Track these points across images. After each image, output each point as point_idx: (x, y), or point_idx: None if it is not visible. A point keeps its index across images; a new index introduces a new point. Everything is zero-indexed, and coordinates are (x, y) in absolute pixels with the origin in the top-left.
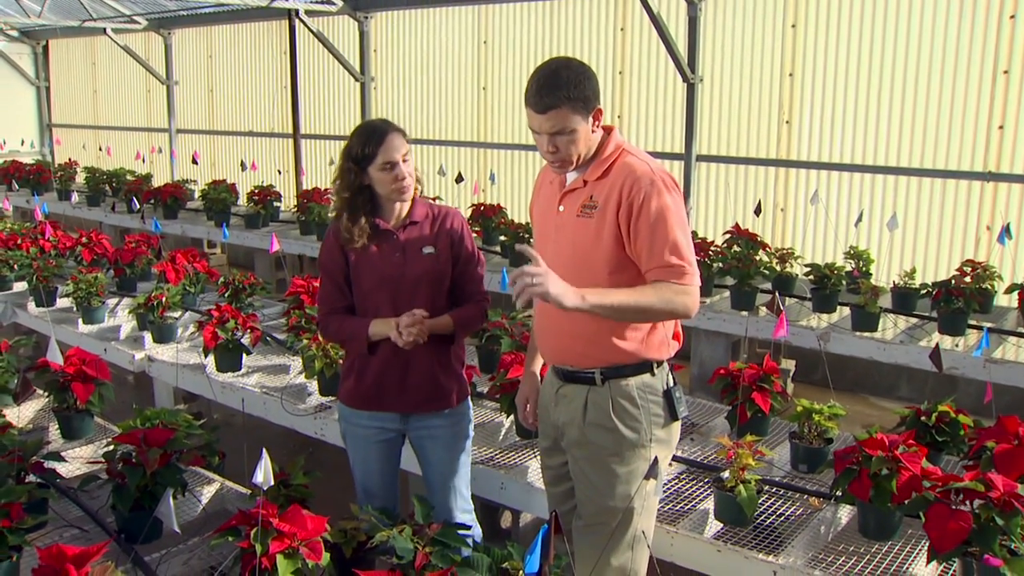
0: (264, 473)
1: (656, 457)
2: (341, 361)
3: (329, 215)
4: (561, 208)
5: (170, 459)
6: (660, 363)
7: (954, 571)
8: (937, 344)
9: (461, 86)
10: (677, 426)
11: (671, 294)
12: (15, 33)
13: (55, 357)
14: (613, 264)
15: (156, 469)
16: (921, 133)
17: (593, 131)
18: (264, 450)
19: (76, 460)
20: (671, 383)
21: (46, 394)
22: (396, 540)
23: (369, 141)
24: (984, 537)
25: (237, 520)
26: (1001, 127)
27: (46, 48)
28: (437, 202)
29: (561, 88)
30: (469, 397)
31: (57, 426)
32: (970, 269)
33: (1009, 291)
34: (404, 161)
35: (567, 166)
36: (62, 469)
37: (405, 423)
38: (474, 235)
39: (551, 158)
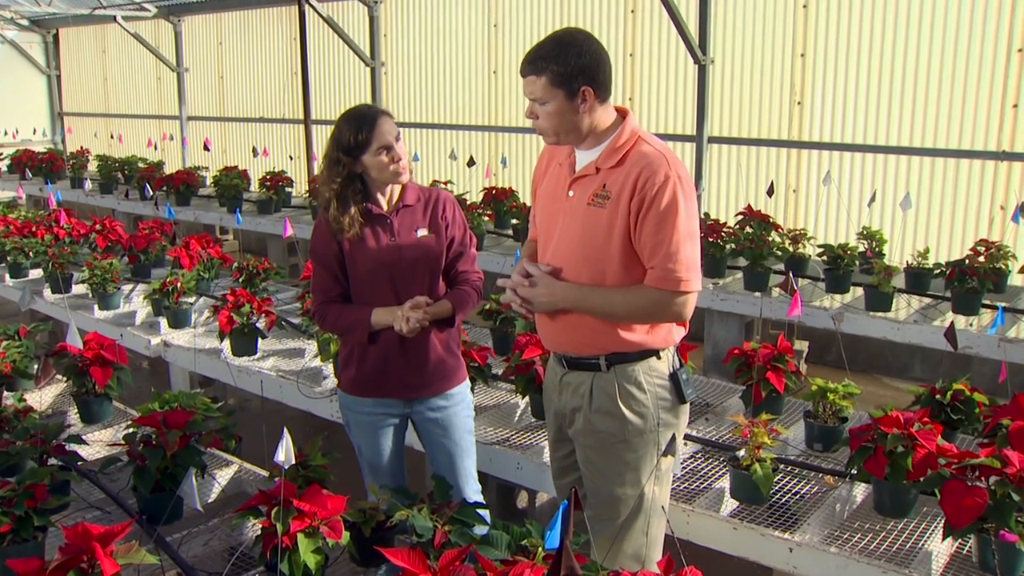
0: (285, 452)
1: (673, 434)
2: None
3: (319, 205)
4: (571, 194)
5: (189, 441)
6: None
7: (969, 548)
8: (952, 322)
9: (472, 70)
10: (685, 408)
11: (664, 304)
12: (25, 22)
13: (75, 341)
14: (625, 259)
15: (176, 451)
16: (934, 113)
17: (580, 112)
18: (285, 429)
19: (96, 443)
20: (677, 365)
21: (65, 379)
22: (415, 519)
23: (361, 128)
24: (1000, 513)
25: (258, 500)
26: (1015, 106)
27: (56, 36)
28: (448, 186)
29: (543, 57)
30: (468, 377)
31: (76, 410)
32: (984, 249)
33: (1023, 270)
34: (397, 141)
35: (548, 139)
36: (82, 452)
37: (409, 407)
38: (486, 218)
39: (534, 125)
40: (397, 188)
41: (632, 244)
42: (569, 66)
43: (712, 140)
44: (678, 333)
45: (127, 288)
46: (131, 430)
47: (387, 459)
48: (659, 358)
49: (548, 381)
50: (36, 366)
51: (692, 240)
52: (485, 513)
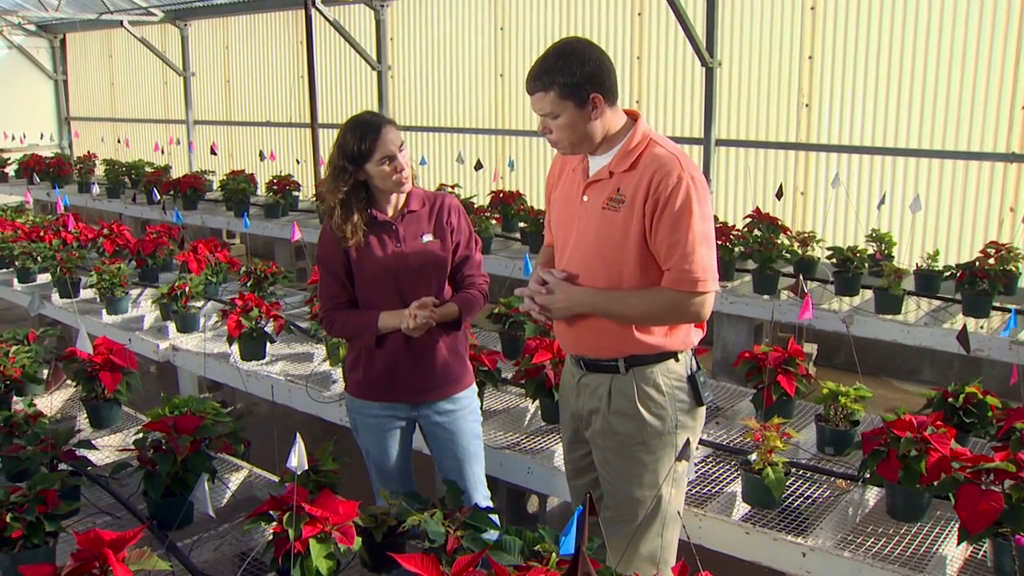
0: (298, 457)
1: (688, 439)
2: None
3: (323, 211)
4: (585, 198)
5: (200, 446)
6: (684, 350)
7: (983, 552)
8: (964, 325)
9: (478, 73)
10: (702, 411)
11: (681, 305)
12: (33, 27)
13: (85, 346)
14: (641, 261)
15: (186, 456)
16: (943, 114)
17: (592, 119)
18: (298, 434)
19: (106, 448)
20: (695, 368)
21: (75, 383)
22: (428, 524)
23: (365, 137)
24: (1016, 517)
25: (269, 505)
26: None
27: (63, 42)
28: (455, 190)
29: (548, 72)
30: (476, 382)
31: (86, 415)
32: (994, 251)
33: None
34: (401, 151)
35: (564, 150)
36: (92, 457)
37: (416, 411)
38: (494, 222)
39: (548, 140)
40: (402, 194)
41: (648, 246)
42: (575, 76)
43: (720, 143)
44: (696, 335)
45: (135, 292)
46: (141, 435)
47: (394, 462)
48: (677, 360)
49: (565, 383)
50: (46, 371)
51: (707, 241)
52: (495, 518)
